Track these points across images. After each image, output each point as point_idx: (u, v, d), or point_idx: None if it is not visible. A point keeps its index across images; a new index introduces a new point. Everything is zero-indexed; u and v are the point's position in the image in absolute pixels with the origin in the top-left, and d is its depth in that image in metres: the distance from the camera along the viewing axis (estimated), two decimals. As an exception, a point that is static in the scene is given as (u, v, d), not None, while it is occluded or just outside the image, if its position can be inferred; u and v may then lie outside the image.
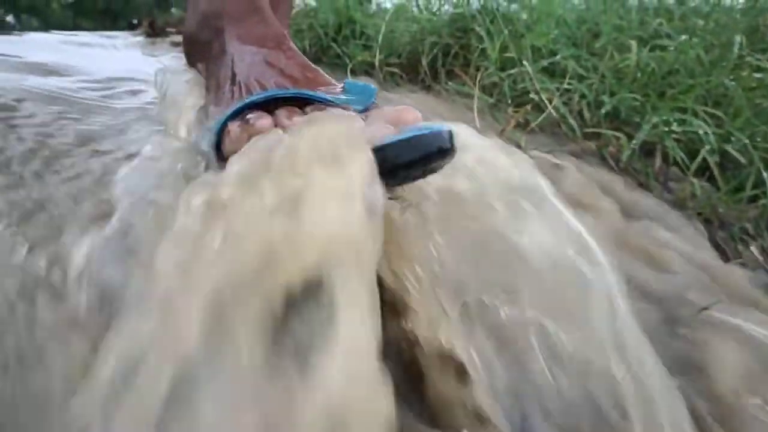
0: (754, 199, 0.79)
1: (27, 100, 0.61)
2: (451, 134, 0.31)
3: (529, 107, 0.88)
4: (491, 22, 1.13)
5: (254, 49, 0.46)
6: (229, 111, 0.39)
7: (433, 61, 1.12)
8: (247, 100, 0.39)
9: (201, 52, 0.51)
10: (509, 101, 0.98)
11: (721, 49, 0.99)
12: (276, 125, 0.35)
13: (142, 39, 1.57)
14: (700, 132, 0.83)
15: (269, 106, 0.38)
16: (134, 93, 0.72)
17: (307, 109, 0.37)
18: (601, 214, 0.67)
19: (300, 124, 0.31)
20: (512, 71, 1.03)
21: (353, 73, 1.14)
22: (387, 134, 0.31)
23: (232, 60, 0.46)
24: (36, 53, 0.95)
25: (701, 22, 1.16)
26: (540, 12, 1.14)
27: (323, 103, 0.39)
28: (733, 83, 0.93)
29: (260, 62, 0.45)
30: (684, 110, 0.90)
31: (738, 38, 0.96)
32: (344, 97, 0.43)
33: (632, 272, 0.58)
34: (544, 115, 0.85)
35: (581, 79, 1.03)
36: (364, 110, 0.41)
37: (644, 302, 0.55)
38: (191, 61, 0.55)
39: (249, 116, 0.36)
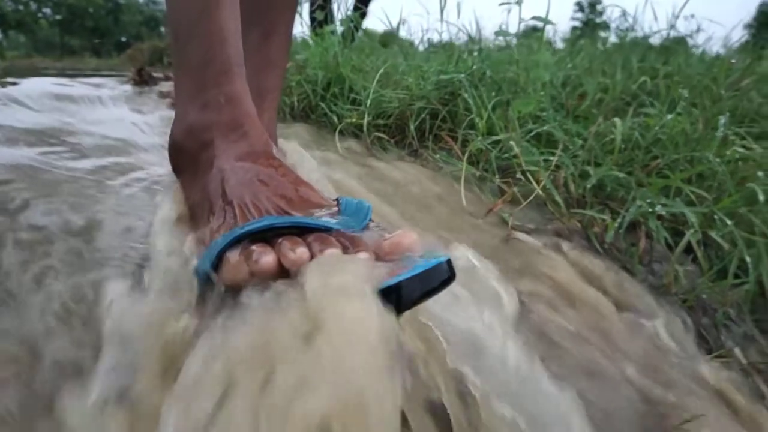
0: (737, 282, 0.80)
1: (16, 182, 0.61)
2: (450, 263, 0.34)
3: (515, 189, 0.88)
4: (478, 87, 1.14)
5: (246, 166, 0.46)
6: (227, 239, 0.38)
7: (421, 125, 1.13)
8: (245, 229, 0.38)
9: (188, 163, 0.51)
10: (495, 172, 0.98)
11: (705, 125, 1.01)
12: (279, 258, 0.34)
13: (129, 87, 1.57)
14: (685, 212, 0.84)
15: (267, 231, 0.38)
16: (123, 172, 0.72)
17: (309, 238, 0.36)
18: (588, 307, 0.67)
19: (308, 270, 0.31)
20: (499, 137, 1.05)
21: (341, 133, 1.14)
22: (393, 272, 0.32)
23: (222, 176, 0.45)
24: (25, 117, 0.95)
25: (686, 93, 1.18)
26: (527, 78, 1.15)
27: (323, 231, 0.39)
28: (717, 160, 0.95)
29: (252, 180, 0.44)
30: (668, 187, 0.91)
31: (722, 118, 0.98)
32: (342, 219, 0.42)
33: (622, 371, 0.58)
34: (530, 198, 0.86)
35: (566, 148, 1.04)
36: (362, 230, 0.41)
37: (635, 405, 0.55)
38: (177, 171, 0.54)
39: (252, 249, 0.35)
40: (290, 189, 0.44)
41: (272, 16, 0.68)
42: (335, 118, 1.20)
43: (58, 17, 49.08)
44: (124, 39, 59.72)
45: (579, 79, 1.40)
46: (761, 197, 0.84)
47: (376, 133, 1.10)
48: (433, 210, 0.83)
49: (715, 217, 0.86)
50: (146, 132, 0.95)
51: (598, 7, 68.46)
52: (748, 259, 0.79)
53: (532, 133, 1.06)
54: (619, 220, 0.84)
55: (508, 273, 0.69)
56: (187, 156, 0.50)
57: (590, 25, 69.76)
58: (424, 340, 0.39)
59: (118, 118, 1.07)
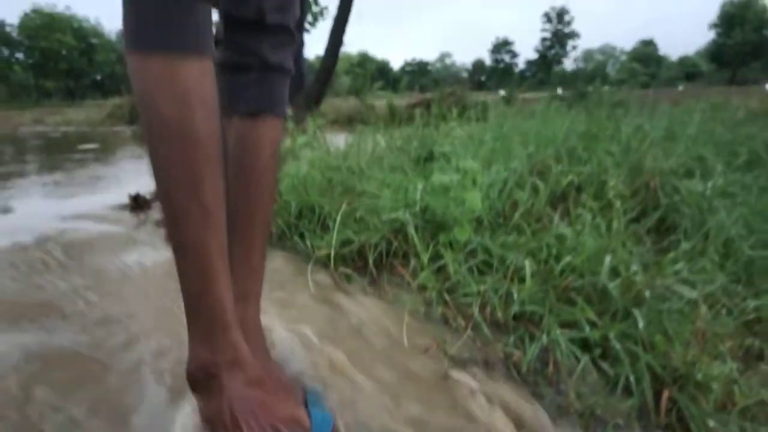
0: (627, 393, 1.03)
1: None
2: None
3: (447, 339, 1.12)
4: (426, 221, 1.38)
5: (247, 395, 0.70)
6: None
7: (380, 256, 1.36)
8: None
9: (202, 388, 0.73)
10: (437, 301, 1.22)
11: (599, 254, 1.25)
12: None
13: (127, 215, 1.78)
14: (587, 336, 1.08)
15: None
16: (126, 345, 0.93)
17: None
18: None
19: None
20: (442, 262, 1.28)
21: (314, 263, 1.37)
22: None
23: (230, 404, 0.69)
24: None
25: (590, 217, 1.42)
26: (464, 209, 1.39)
27: None
28: (612, 284, 1.19)
29: (253, 409, 0.69)
30: (574, 311, 1.14)
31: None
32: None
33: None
34: (460, 342, 1.09)
35: (497, 269, 1.28)
36: None
37: None
38: (193, 390, 0.76)
39: None
40: (280, 411, 0.68)
41: (252, 235, 0.91)
42: (308, 249, 1.44)
43: (31, 61, 49.19)
44: (99, 77, 60.02)
45: (513, 187, 1.65)
46: (641, 323, 1.08)
47: (342, 268, 1.33)
48: (378, 349, 1.06)
49: (610, 338, 1.09)
50: (150, 296, 1.17)
51: (566, 17, 70.17)
52: (631, 377, 1.03)
53: (469, 251, 1.29)
54: (531, 350, 1.07)
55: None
56: (202, 383, 0.73)
57: (559, 35, 71.27)
58: None
59: (121, 277, 1.28)
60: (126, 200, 1.90)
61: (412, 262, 1.32)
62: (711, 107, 4.68)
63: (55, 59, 49.08)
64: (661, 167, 1.69)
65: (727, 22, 62.90)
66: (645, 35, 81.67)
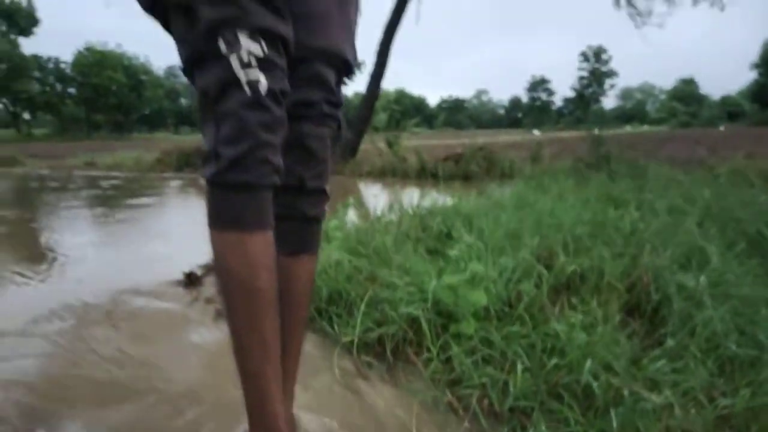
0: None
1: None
2: None
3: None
4: (436, 313, 1.60)
5: None
6: None
7: (397, 345, 1.58)
8: None
9: None
10: (445, 389, 1.42)
11: (587, 352, 1.43)
12: None
13: (182, 291, 2.05)
14: (572, 428, 1.26)
15: None
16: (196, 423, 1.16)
17: None
18: None
19: None
20: (450, 353, 1.49)
21: (340, 348, 1.60)
22: None
23: None
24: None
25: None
26: (465, 304, 1.59)
27: None
28: (597, 382, 1.37)
29: None
30: (562, 407, 1.33)
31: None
32: None
33: None
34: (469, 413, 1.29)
35: (499, 360, 1.48)
36: None
37: None
38: None
39: None
40: None
41: (291, 344, 1.14)
42: (335, 331, 1.66)
43: (83, 96, 51.77)
44: (146, 112, 62.72)
45: (519, 277, 1.85)
46: (615, 423, 1.26)
47: (364, 356, 1.55)
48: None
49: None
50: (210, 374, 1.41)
51: (603, 56, 70.28)
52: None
53: (474, 343, 1.50)
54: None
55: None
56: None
57: (596, 74, 71.30)
58: None
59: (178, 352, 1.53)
60: (180, 275, 2.16)
61: (425, 352, 1.53)
62: (730, 173, 4.80)
63: (106, 94, 51.51)
64: (654, 263, 1.87)
65: (768, 62, 61.96)
66: (685, 74, 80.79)
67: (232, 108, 0.83)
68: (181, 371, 1.47)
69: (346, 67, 1.04)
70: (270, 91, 0.84)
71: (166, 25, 0.89)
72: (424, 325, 1.55)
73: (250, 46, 0.82)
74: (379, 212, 2.97)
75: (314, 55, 0.96)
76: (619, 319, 1.70)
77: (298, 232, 1.07)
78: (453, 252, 1.82)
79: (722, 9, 6.79)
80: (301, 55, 0.93)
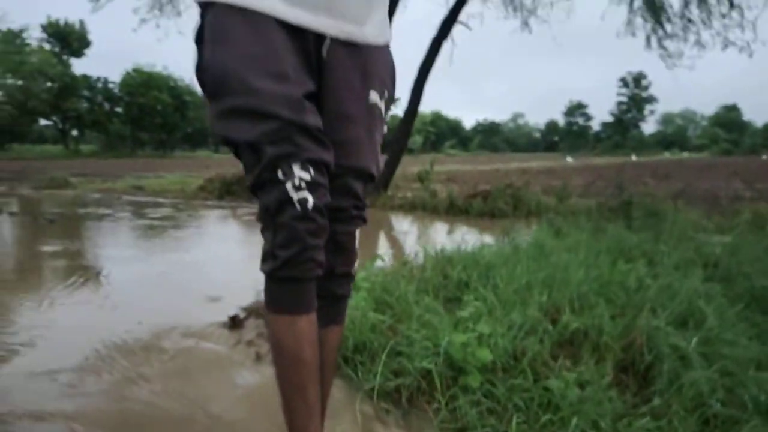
0: None
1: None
2: None
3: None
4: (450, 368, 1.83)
5: None
6: None
7: (411, 394, 1.81)
8: None
9: None
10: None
11: (576, 410, 1.64)
12: None
13: (226, 332, 2.33)
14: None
15: None
16: None
17: None
18: None
19: None
20: (457, 404, 1.72)
21: (363, 394, 1.84)
22: None
23: None
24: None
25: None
26: (473, 360, 1.82)
27: None
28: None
29: None
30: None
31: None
32: None
33: None
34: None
35: (501, 411, 1.69)
36: None
37: None
38: None
39: None
40: None
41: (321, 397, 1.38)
42: (359, 377, 1.91)
43: (129, 116, 53.86)
44: (189, 130, 64.87)
45: (525, 333, 2.06)
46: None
47: (383, 403, 1.79)
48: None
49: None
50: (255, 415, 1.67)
51: (643, 82, 69.50)
52: None
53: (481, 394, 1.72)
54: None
55: None
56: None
57: (636, 99, 70.51)
58: None
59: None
60: (224, 316, 2.44)
61: (435, 402, 1.76)
62: (753, 219, 4.88)
63: (151, 114, 53.43)
64: (650, 324, 2.06)
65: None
66: (728, 101, 79.13)
67: (286, 221, 1.09)
68: (224, 408, 1.73)
69: (371, 177, 1.30)
70: (315, 206, 1.10)
71: (237, 154, 1.16)
72: (436, 378, 1.78)
73: (301, 174, 1.08)
74: (404, 257, 3.22)
75: (347, 172, 1.22)
76: (612, 376, 1.89)
77: (329, 308, 1.32)
78: (464, 313, 2.04)
79: (750, 56, 6.86)
80: (337, 172, 1.19)
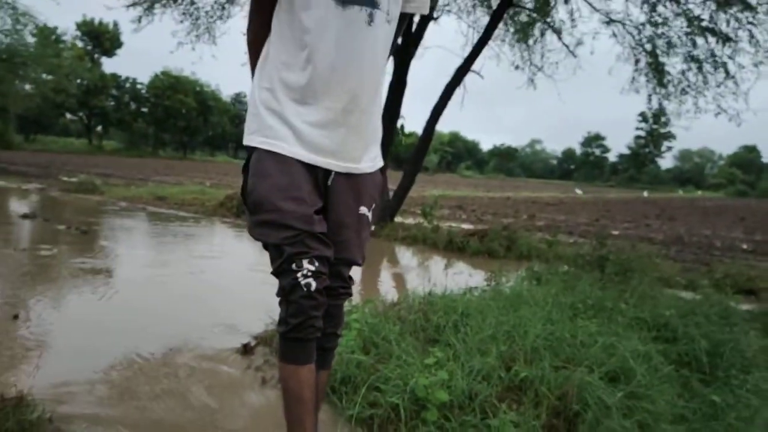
0: None
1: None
2: None
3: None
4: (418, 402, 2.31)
5: None
6: None
7: (383, 422, 2.29)
8: None
9: None
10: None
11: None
12: None
13: (239, 359, 2.83)
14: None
15: None
16: None
17: None
18: None
19: None
20: (418, 433, 2.19)
21: (344, 420, 2.32)
22: None
23: None
24: None
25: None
26: (433, 398, 2.29)
27: None
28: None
29: None
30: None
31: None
32: None
33: None
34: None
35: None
36: None
37: None
38: None
39: None
40: None
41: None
42: (342, 405, 2.39)
43: (154, 116, 55.11)
44: (210, 133, 66.18)
45: (480, 378, 2.53)
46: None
47: (359, 429, 2.27)
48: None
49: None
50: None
51: (663, 119, 69.33)
52: None
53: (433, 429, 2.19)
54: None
55: None
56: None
57: (654, 135, 70.56)
58: None
59: None
60: (238, 343, 2.94)
61: (402, 430, 2.24)
62: (721, 279, 5.30)
63: (175, 116, 54.55)
64: (583, 379, 2.52)
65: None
66: (749, 142, 78.93)
67: (296, 299, 1.58)
68: (232, 422, 2.22)
69: (358, 264, 1.80)
70: (317, 289, 1.59)
71: (265, 247, 1.66)
72: (402, 411, 2.26)
73: (309, 267, 1.58)
74: (394, 300, 3.71)
75: (340, 263, 1.72)
76: (545, 419, 2.36)
77: (319, 357, 1.81)
78: (429, 361, 2.52)
79: (738, 125, 7.30)
80: (333, 263, 1.69)
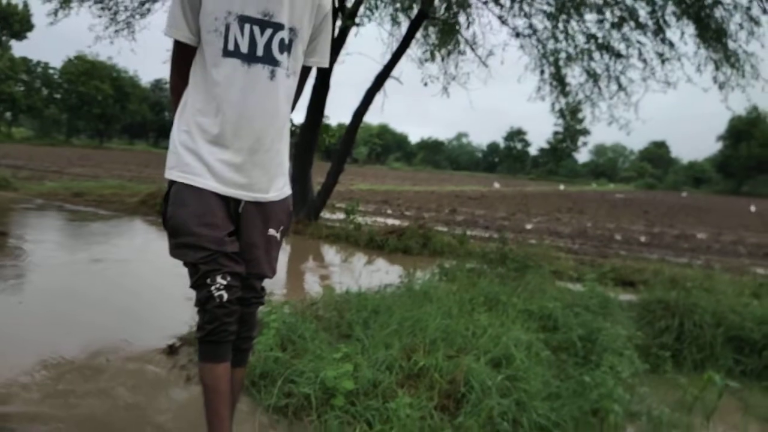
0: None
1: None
2: None
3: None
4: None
5: None
6: None
7: (297, 409, 2.61)
8: None
9: None
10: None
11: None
12: None
13: (164, 358, 3.06)
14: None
15: None
16: None
17: None
18: None
19: None
20: (326, 418, 2.54)
21: (262, 410, 2.62)
22: None
23: None
24: None
25: None
26: (340, 387, 2.64)
27: None
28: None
29: None
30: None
31: None
32: None
33: None
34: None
35: (358, 423, 2.52)
36: None
37: None
38: None
39: None
40: None
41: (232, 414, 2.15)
42: (261, 397, 2.69)
43: (67, 103, 52.31)
44: (129, 121, 63.42)
45: (384, 368, 2.90)
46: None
47: (276, 416, 2.59)
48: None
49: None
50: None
51: (579, 115, 73.05)
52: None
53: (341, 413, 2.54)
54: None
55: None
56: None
57: (570, 131, 74.17)
58: None
59: None
60: (163, 343, 3.17)
61: (312, 416, 2.57)
62: (606, 273, 5.96)
63: (90, 103, 51.99)
64: (470, 364, 2.94)
65: (734, 136, 65.71)
66: (657, 138, 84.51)
67: (210, 308, 1.87)
68: (158, 416, 2.48)
69: (268, 277, 2.11)
70: (228, 299, 1.88)
71: (185, 264, 1.93)
72: (313, 399, 2.60)
73: (221, 281, 1.87)
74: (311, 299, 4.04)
75: (252, 276, 2.02)
76: (437, 401, 2.76)
77: (236, 356, 2.09)
78: (336, 356, 2.86)
79: (628, 134, 8.12)
80: (246, 276, 1.99)
